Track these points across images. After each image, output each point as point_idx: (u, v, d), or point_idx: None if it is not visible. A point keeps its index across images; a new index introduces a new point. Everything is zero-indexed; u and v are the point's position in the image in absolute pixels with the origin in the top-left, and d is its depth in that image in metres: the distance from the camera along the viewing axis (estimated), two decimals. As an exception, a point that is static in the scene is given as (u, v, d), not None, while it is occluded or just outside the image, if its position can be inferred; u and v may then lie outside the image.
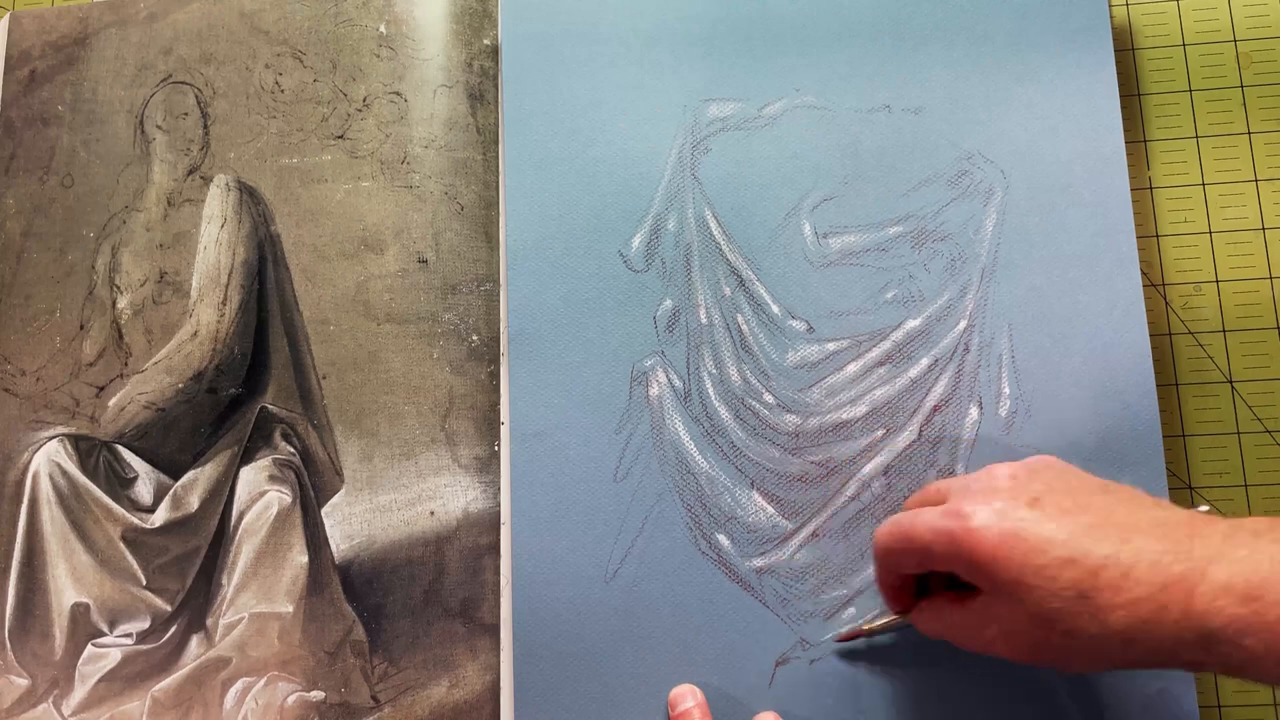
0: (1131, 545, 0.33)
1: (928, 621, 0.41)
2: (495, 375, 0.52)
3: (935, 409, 0.48)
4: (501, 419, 0.51)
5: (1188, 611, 0.31)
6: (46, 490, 0.52)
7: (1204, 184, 0.52)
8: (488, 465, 0.51)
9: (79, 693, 0.50)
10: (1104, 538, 0.34)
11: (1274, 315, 0.51)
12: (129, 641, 0.50)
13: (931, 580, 0.42)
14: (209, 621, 0.50)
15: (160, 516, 0.52)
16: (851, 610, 0.47)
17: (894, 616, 0.44)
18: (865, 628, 0.45)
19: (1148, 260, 0.52)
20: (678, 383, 0.50)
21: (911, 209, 0.50)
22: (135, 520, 0.52)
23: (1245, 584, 0.31)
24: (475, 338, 0.52)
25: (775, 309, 0.50)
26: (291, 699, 0.49)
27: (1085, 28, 0.51)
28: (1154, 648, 0.32)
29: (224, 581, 0.51)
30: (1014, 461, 0.39)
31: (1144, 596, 0.32)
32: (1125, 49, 0.54)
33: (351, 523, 0.51)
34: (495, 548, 0.50)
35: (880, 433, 0.48)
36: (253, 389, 0.53)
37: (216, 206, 0.55)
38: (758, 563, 0.48)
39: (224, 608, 0.50)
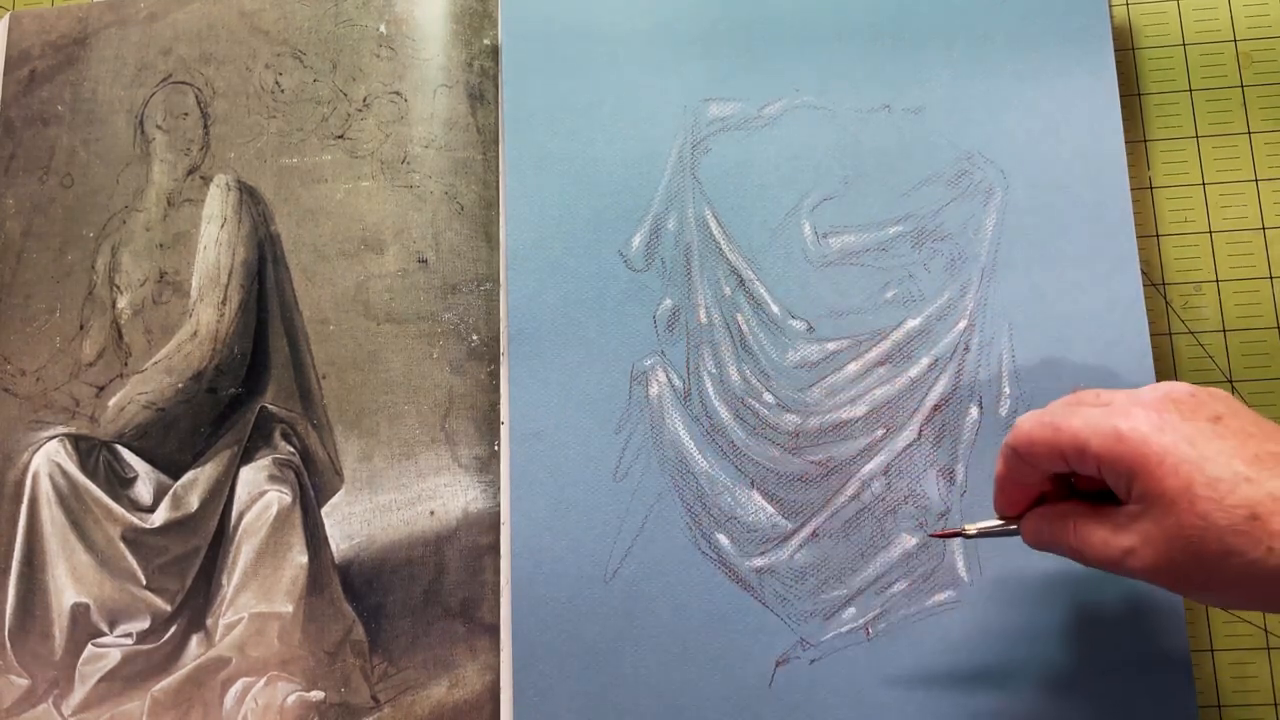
0: None
1: (1044, 528, 0.38)
2: (495, 375, 0.52)
3: (935, 409, 0.48)
4: (501, 419, 0.51)
5: None
6: (46, 490, 0.52)
7: (1204, 184, 0.52)
8: (488, 465, 0.51)
9: (79, 693, 0.50)
10: None
11: (1274, 315, 0.51)
12: (129, 641, 0.50)
13: (1048, 495, 0.39)
14: (209, 621, 0.50)
15: (160, 516, 0.52)
16: (852, 610, 0.47)
17: (999, 522, 0.41)
18: (969, 529, 0.42)
19: (1148, 260, 0.52)
20: (677, 382, 0.50)
21: (911, 209, 0.50)
22: (135, 520, 0.52)
23: None
24: (475, 338, 0.52)
25: (775, 309, 0.50)
26: (291, 699, 0.49)
27: (1085, 28, 0.51)
28: None
29: (224, 581, 0.51)
30: (1193, 385, 0.36)
31: None
32: (1125, 49, 0.54)
33: (351, 522, 0.51)
34: (495, 548, 0.50)
35: (880, 432, 0.48)
36: (252, 389, 0.53)
37: (216, 206, 0.55)
38: (758, 563, 0.48)
39: (224, 608, 0.50)
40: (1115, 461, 0.34)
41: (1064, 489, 0.39)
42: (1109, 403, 0.36)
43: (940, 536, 0.45)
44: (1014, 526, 0.40)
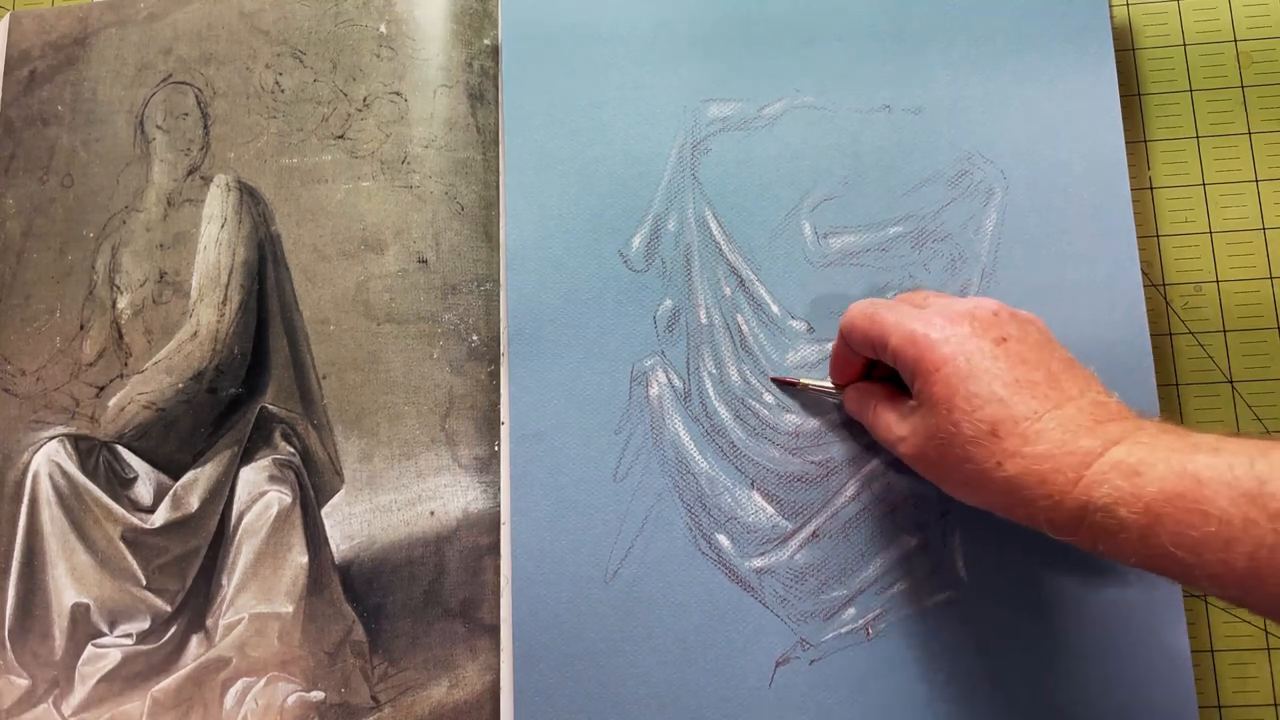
0: (1059, 411, 0.35)
1: (855, 401, 0.45)
2: (495, 375, 0.52)
3: (935, 409, 0.48)
4: (501, 419, 0.51)
5: (1077, 479, 0.33)
6: (46, 490, 0.52)
7: (1204, 184, 0.52)
8: (488, 465, 0.51)
9: (79, 693, 0.50)
10: (1040, 396, 0.35)
11: (1274, 315, 0.51)
12: (129, 642, 0.50)
13: (875, 373, 0.45)
14: (209, 622, 0.50)
15: (160, 517, 0.52)
16: (852, 610, 0.47)
17: (830, 386, 0.47)
18: (802, 381, 0.48)
19: (1148, 260, 0.52)
20: (677, 383, 0.50)
21: (911, 209, 0.50)
22: (135, 520, 0.52)
23: (1136, 462, 0.33)
24: (475, 338, 0.52)
25: (775, 309, 0.50)
26: (291, 699, 0.49)
27: (1085, 28, 0.51)
28: (1031, 499, 0.34)
29: (224, 581, 0.51)
30: (1007, 306, 0.40)
31: (1045, 454, 0.34)
32: (1125, 49, 0.54)
33: (351, 523, 0.51)
34: (495, 548, 0.50)
35: (880, 433, 0.48)
36: (253, 389, 0.53)
37: (216, 206, 0.55)
38: (758, 563, 0.48)
39: (224, 608, 0.50)
40: (904, 360, 0.38)
41: (888, 370, 0.44)
42: (925, 306, 0.40)
43: (777, 381, 0.49)
44: (839, 396, 0.47)
